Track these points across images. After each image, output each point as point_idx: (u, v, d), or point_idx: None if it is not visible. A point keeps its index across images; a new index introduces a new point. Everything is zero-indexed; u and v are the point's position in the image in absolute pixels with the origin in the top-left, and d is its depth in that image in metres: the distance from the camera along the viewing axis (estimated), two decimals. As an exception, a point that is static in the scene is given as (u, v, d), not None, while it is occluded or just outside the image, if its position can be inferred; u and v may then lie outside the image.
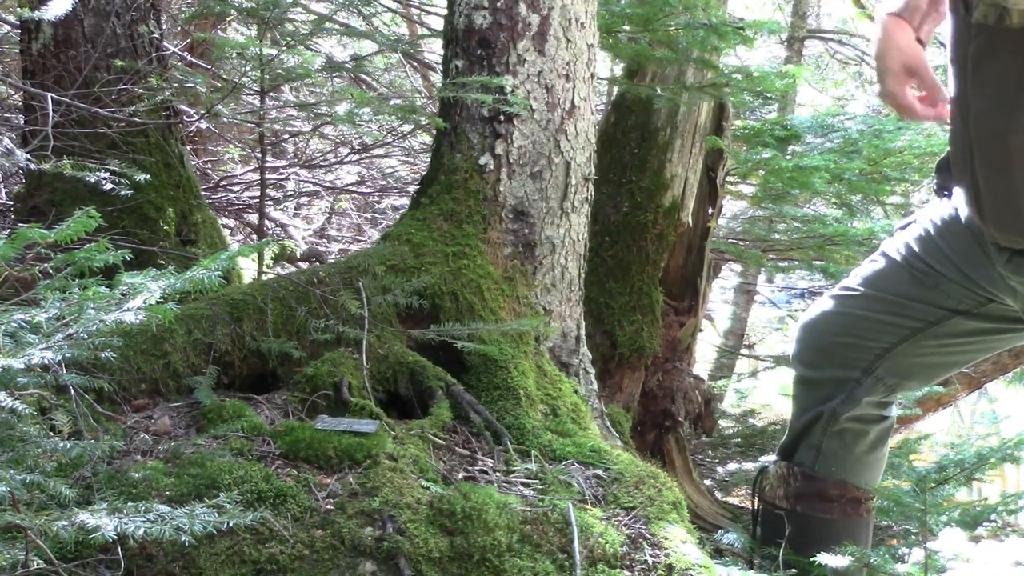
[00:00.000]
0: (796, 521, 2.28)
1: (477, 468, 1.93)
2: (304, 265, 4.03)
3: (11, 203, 3.02)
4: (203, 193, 3.13)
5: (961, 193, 1.96)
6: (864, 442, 2.26)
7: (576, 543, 1.66)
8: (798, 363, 2.35)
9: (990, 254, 1.97)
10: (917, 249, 2.13)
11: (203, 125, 4.22)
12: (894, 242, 2.21)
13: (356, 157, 5.01)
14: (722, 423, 4.52)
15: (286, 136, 5.09)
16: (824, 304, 2.31)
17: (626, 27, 2.98)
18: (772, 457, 2.43)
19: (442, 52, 2.51)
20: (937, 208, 2.13)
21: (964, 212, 2.00)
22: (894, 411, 2.31)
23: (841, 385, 2.22)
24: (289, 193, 5.06)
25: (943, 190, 2.11)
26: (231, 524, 1.31)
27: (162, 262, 2.31)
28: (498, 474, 1.92)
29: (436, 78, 4.76)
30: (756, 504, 2.44)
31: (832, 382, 2.23)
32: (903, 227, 2.23)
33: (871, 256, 2.30)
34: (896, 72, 1.89)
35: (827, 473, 2.27)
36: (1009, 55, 1.71)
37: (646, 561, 1.70)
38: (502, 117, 2.34)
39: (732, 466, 4.22)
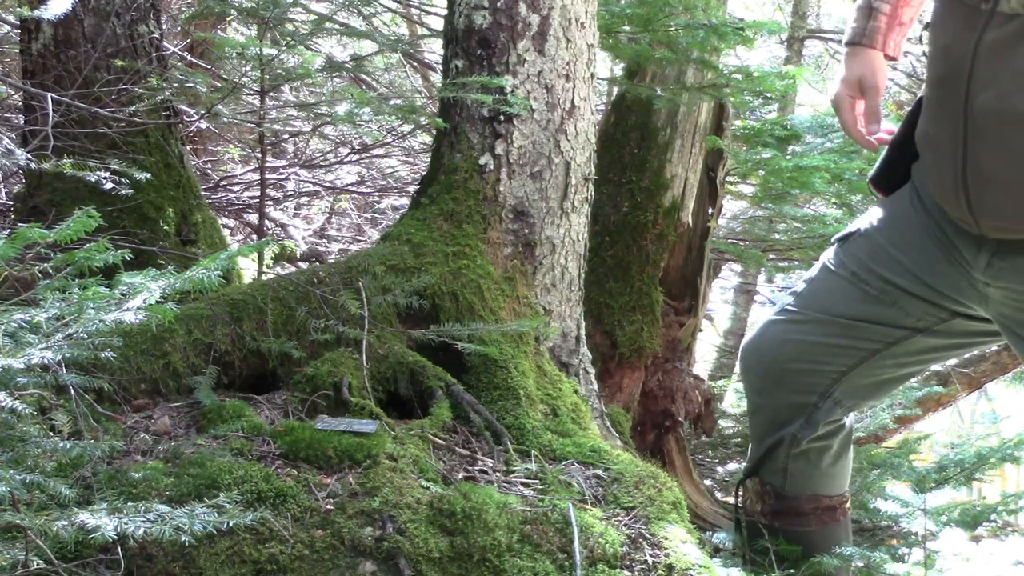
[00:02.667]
0: (777, 535, 2.27)
1: (477, 468, 1.93)
2: (304, 265, 4.03)
3: (11, 203, 3.02)
4: (203, 193, 3.13)
5: (941, 191, 1.86)
6: (828, 455, 2.22)
7: (576, 543, 1.66)
8: (750, 391, 2.27)
9: (960, 261, 1.88)
10: (869, 263, 2.02)
11: (203, 125, 4.21)
12: (837, 257, 2.09)
13: (356, 157, 5.01)
14: (722, 423, 4.52)
15: (286, 136, 5.08)
16: (769, 330, 2.21)
17: (626, 27, 2.98)
18: (743, 465, 2.41)
19: (442, 52, 2.51)
20: (886, 218, 2.03)
21: (927, 214, 1.89)
22: (851, 418, 2.26)
23: (798, 410, 2.15)
24: (289, 193, 5.07)
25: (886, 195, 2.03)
26: (231, 524, 1.31)
27: (162, 262, 2.31)
28: (498, 474, 1.92)
29: (436, 78, 4.76)
30: (738, 511, 2.43)
31: (788, 408, 2.16)
32: (843, 238, 2.12)
33: (811, 273, 2.17)
34: (845, 86, 1.99)
35: (797, 491, 2.24)
36: None
37: (646, 561, 1.70)
38: (502, 117, 2.34)
39: (732, 466, 4.22)
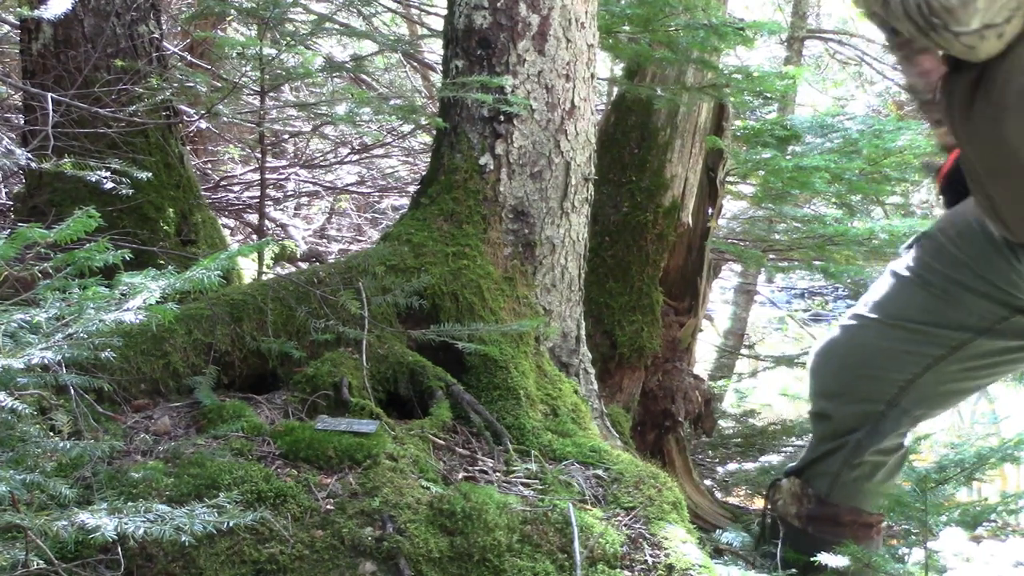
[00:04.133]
0: (807, 540, 2.25)
1: (477, 468, 1.93)
2: (304, 265, 4.03)
3: (11, 203, 3.02)
4: (203, 193, 3.13)
5: (981, 208, 1.91)
6: (882, 472, 2.21)
7: (576, 543, 1.66)
8: (816, 397, 2.26)
9: (1010, 259, 1.92)
10: (933, 263, 2.06)
11: (203, 125, 4.21)
12: (903, 261, 2.14)
13: (356, 157, 5.02)
14: (722, 423, 4.52)
15: (286, 136, 5.09)
16: (838, 336, 2.22)
17: (626, 27, 2.98)
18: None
19: (442, 52, 2.51)
20: (948, 218, 2.07)
21: (983, 222, 1.95)
22: (909, 436, 2.27)
23: (864, 418, 2.15)
24: (289, 193, 5.07)
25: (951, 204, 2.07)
26: (231, 524, 1.31)
27: (162, 262, 2.31)
28: (498, 474, 1.92)
29: (436, 78, 4.76)
30: (767, 512, 2.41)
31: (854, 416, 2.17)
32: (909, 245, 2.16)
33: (880, 279, 2.21)
34: None
35: (842, 500, 2.23)
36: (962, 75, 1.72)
37: (646, 561, 1.70)
38: (502, 117, 2.34)
39: (732, 466, 4.22)
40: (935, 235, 2.09)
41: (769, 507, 2.41)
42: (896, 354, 2.10)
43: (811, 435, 2.35)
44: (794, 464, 2.38)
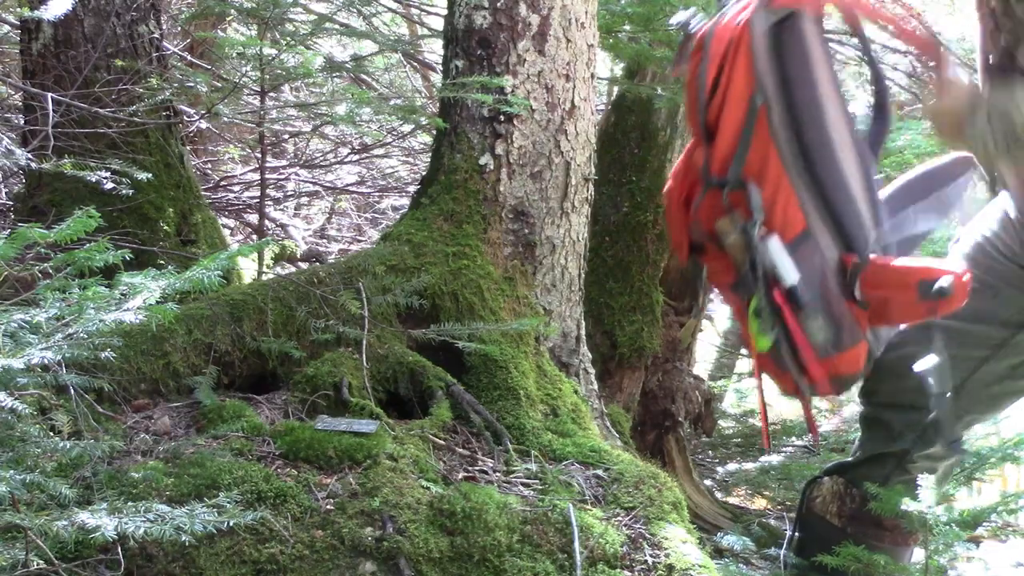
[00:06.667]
0: (844, 540, 2.24)
1: (477, 468, 1.93)
2: (304, 265, 4.03)
3: (11, 203, 3.02)
4: (203, 193, 3.13)
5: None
6: (933, 478, 2.21)
7: (576, 543, 1.66)
8: (867, 401, 2.26)
9: None
10: (974, 255, 2.06)
11: (203, 125, 4.21)
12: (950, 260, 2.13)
13: (356, 157, 5.02)
14: (722, 423, 4.51)
15: (286, 136, 5.09)
16: (896, 341, 2.20)
17: (626, 27, 2.98)
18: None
19: (442, 52, 2.51)
20: (985, 213, 2.09)
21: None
22: (962, 443, 2.25)
23: (913, 426, 2.14)
24: (289, 193, 5.06)
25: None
26: (231, 524, 1.31)
27: (162, 262, 2.31)
28: (498, 474, 1.92)
29: (436, 78, 4.76)
30: (802, 510, 2.40)
31: (903, 423, 2.16)
32: (956, 241, 2.16)
33: None
34: None
35: None
36: None
37: (646, 561, 1.70)
38: (502, 117, 2.34)
39: (732, 466, 4.21)
40: (975, 233, 2.09)
41: (805, 504, 2.39)
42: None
43: (859, 437, 2.33)
44: (837, 463, 2.37)
